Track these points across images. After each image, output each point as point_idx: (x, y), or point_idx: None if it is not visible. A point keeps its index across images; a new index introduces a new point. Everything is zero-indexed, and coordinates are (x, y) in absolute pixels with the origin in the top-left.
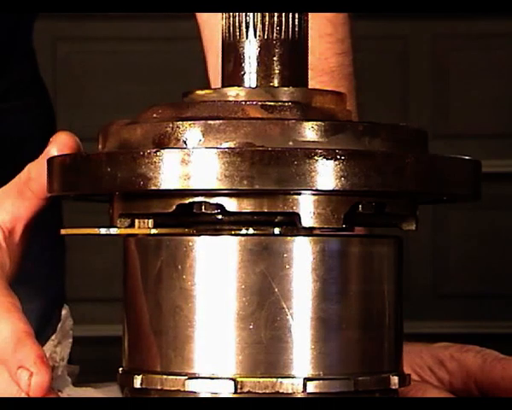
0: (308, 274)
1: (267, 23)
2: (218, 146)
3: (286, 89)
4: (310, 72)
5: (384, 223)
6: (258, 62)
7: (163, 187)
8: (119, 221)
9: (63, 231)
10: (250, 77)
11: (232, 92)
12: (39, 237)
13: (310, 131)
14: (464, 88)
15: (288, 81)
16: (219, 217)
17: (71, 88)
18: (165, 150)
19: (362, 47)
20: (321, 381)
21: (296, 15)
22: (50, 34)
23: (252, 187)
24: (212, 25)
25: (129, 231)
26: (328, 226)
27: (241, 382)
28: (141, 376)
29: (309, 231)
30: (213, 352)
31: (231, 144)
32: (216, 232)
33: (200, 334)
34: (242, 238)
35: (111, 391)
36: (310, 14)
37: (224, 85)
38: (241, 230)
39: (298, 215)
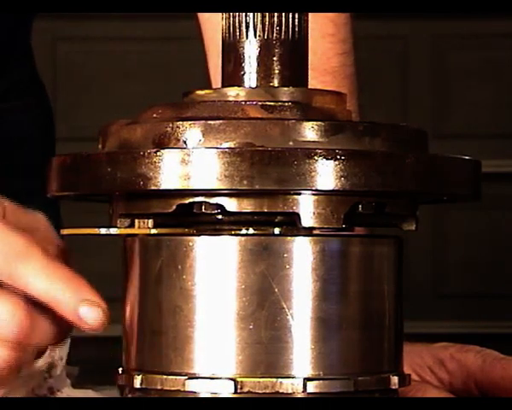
0: (308, 274)
1: (267, 23)
2: (218, 146)
3: (286, 89)
4: (312, 72)
5: (384, 223)
6: (258, 62)
7: (163, 187)
8: (119, 221)
9: (63, 231)
10: (250, 77)
11: (232, 92)
12: None
13: (310, 131)
14: (464, 88)
15: (288, 81)
16: (219, 217)
17: (71, 88)
18: (165, 150)
19: (362, 47)
20: (321, 381)
21: (296, 15)
22: (50, 34)
23: (252, 187)
24: (213, 23)
25: (129, 231)
26: (328, 226)
27: (241, 382)
28: (141, 376)
29: (309, 231)
30: (213, 352)
31: (231, 144)
32: (216, 232)
33: (200, 334)
34: (242, 238)
35: (111, 395)
36: (312, 15)
37: (224, 85)
38: (241, 230)
39: (298, 215)
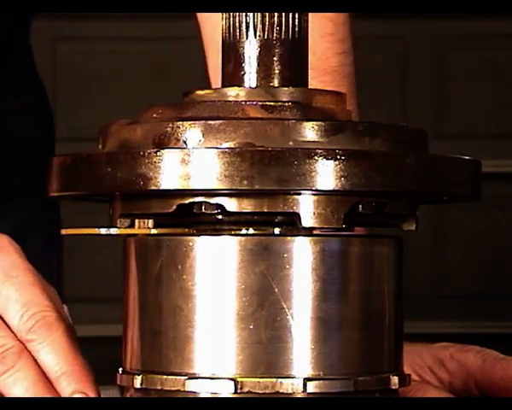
0: (308, 274)
1: (267, 23)
2: (218, 146)
3: (286, 89)
4: (311, 72)
5: (384, 223)
6: (258, 62)
7: (163, 187)
8: (119, 221)
9: (63, 231)
10: (250, 77)
11: (232, 92)
12: (39, 237)
13: (310, 131)
14: (464, 88)
15: (288, 81)
16: (219, 217)
17: (71, 88)
18: (165, 150)
19: (362, 47)
20: (321, 381)
21: (296, 15)
22: (50, 34)
23: (252, 187)
24: (212, 23)
25: (129, 231)
26: (328, 226)
27: (241, 382)
28: (141, 376)
29: (309, 231)
30: (213, 352)
31: (231, 144)
32: (216, 232)
33: (200, 334)
34: (242, 238)
35: (111, 395)
36: (311, 14)
37: (224, 85)
38: (241, 230)
39: (298, 215)
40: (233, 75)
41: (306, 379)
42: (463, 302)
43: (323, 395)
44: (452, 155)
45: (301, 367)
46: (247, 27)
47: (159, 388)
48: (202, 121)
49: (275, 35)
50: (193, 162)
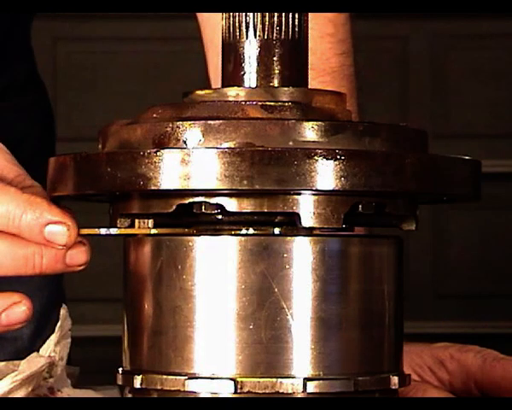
0: (308, 274)
1: (267, 23)
2: (218, 146)
3: (286, 89)
4: (311, 72)
5: (384, 223)
6: (258, 62)
7: (163, 187)
8: (119, 221)
9: None
10: (250, 77)
11: (232, 92)
12: None
13: (310, 131)
14: (464, 88)
15: (288, 81)
16: (219, 217)
17: (71, 88)
18: (165, 150)
19: (362, 47)
20: (321, 381)
21: (296, 15)
22: (50, 34)
23: (252, 187)
24: (213, 24)
25: (129, 231)
26: (328, 226)
27: (241, 382)
28: (141, 376)
29: (309, 231)
30: (213, 352)
31: (231, 144)
32: (216, 232)
33: (200, 334)
34: (242, 238)
35: (111, 395)
36: (311, 15)
37: (224, 85)
38: (241, 230)
39: (298, 215)
40: (233, 75)
41: (306, 379)
42: (463, 302)
43: (323, 395)
44: (452, 155)
45: (301, 367)
46: (247, 27)
47: (159, 388)
48: (202, 121)
49: (275, 35)
50: (193, 162)
